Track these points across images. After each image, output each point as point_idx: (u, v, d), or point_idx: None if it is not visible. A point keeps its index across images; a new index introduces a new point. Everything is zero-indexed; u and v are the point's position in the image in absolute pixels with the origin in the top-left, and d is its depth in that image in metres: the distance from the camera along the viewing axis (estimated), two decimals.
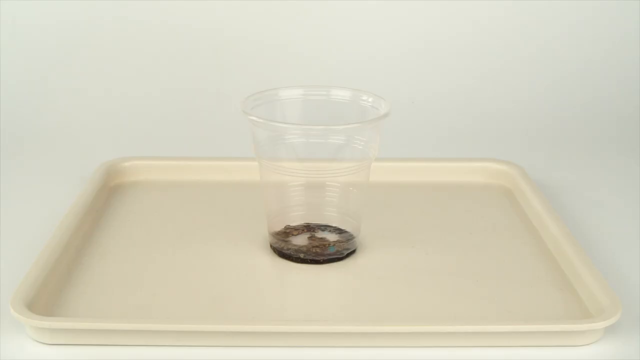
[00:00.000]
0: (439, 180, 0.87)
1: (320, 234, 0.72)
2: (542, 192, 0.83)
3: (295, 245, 0.70)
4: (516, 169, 0.86)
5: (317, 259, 0.70)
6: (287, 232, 0.72)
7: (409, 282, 0.68)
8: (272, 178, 0.70)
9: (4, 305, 0.66)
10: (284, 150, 0.70)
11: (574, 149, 1.00)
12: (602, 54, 1.10)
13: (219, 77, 1.06)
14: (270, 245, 0.72)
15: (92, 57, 1.09)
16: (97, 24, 1.09)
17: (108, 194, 0.83)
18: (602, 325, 0.61)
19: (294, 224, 0.72)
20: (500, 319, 0.64)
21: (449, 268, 0.70)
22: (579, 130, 1.04)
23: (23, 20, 1.08)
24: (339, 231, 0.72)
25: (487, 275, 0.69)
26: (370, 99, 0.72)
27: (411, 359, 0.61)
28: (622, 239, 0.78)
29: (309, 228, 0.72)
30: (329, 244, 0.70)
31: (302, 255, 0.70)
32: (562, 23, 1.11)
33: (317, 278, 0.69)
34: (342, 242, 0.71)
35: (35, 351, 0.61)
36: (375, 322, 0.62)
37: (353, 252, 0.71)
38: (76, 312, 0.64)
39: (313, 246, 0.70)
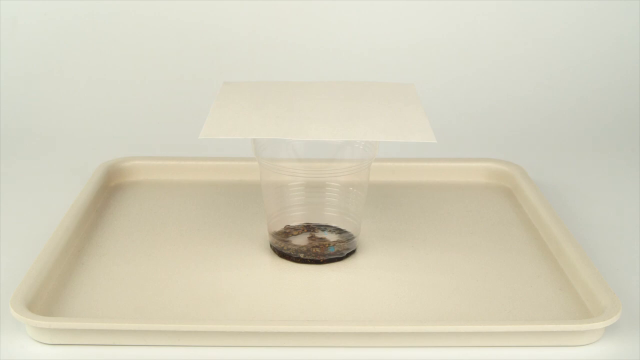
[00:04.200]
0: (439, 180, 0.87)
1: (320, 234, 0.71)
2: (542, 192, 0.83)
3: (295, 245, 0.70)
4: (516, 169, 0.86)
5: (317, 259, 0.70)
6: (287, 232, 0.71)
7: (408, 282, 0.68)
8: (272, 178, 0.70)
9: (4, 305, 0.66)
10: (284, 150, 0.70)
11: (573, 148, 1.00)
12: (602, 53, 1.10)
13: (220, 77, 1.06)
14: (270, 245, 0.72)
15: (93, 58, 1.09)
16: (98, 25, 1.09)
17: (108, 194, 0.83)
18: (602, 325, 0.61)
19: (294, 224, 0.72)
20: (500, 319, 0.64)
21: (448, 268, 0.70)
22: (579, 129, 1.05)
23: (23, 20, 1.08)
24: (339, 231, 0.71)
25: (487, 275, 0.69)
26: None
27: (411, 359, 0.61)
28: (622, 239, 0.78)
29: (309, 228, 0.72)
30: (329, 244, 0.70)
31: (302, 255, 0.70)
32: (563, 21, 1.11)
33: (317, 278, 0.69)
34: (342, 242, 0.71)
35: (35, 351, 0.61)
36: (375, 322, 0.62)
37: (353, 252, 0.71)
38: (76, 312, 0.64)
39: (313, 246, 0.70)
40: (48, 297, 0.65)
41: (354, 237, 0.71)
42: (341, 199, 0.71)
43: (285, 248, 0.70)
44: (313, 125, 0.64)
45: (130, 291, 0.66)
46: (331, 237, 0.71)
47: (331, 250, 0.70)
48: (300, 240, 0.71)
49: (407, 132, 0.63)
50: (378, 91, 0.72)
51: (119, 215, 0.79)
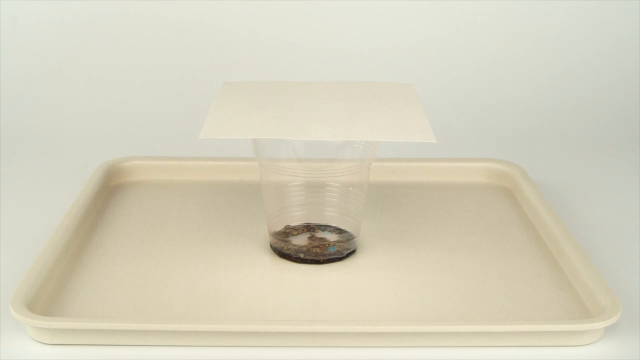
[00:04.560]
0: (439, 181, 0.87)
1: (320, 234, 0.72)
2: (542, 192, 0.83)
3: (295, 245, 0.70)
4: (516, 169, 0.86)
5: (317, 259, 0.70)
6: (287, 232, 0.72)
7: (408, 282, 0.68)
8: (272, 178, 0.70)
9: (4, 305, 0.66)
10: (284, 150, 0.70)
11: (573, 148, 1.00)
12: (602, 53, 1.10)
13: (220, 77, 1.06)
14: (270, 245, 0.72)
15: (93, 58, 1.09)
16: (98, 25, 1.09)
17: (108, 194, 0.83)
18: (602, 325, 0.61)
19: (294, 224, 0.72)
20: (500, 318, 0.64)
21: (448, 268, 0.70)
22: (579, 129, 1.05)
23: (23, 20, 1.08)
24: (339, 231, 0.72)
25: (487, 275, 0.70)
26: None
27: (411, 358, 0.61)
28: (622, 239, 0.78)
29: (309, 228, 0.72)
30: (329, 244, 0.70)
31: (302, 255, 0.70)
32: (563, 21, 1.11)
33: (317, 278, 0.69)
34: (342, 242, 0.71)
35: (35, 351, 0.61)
36: (375, 322, 0.62)
37: (353, 252, 0.71)
38: (76, 312, 0.64)
39: (313, 246, 0.70)
40: (48, 297, 0.66)
41: (354, 237, 0.71)
42: (341, 199, 0.71)
43: (285, 248, 0.70)
44: (313, 125, 0.64)
45: (130, 291, 0.67)
46: (331, 237, 0.71)
47: (331, 250, 0.70)
48: (300, 240, 0.71)
49: (407, 132, 0.63)
50: (378, 91, 0.72)
51: (119, 215, 0.79)
